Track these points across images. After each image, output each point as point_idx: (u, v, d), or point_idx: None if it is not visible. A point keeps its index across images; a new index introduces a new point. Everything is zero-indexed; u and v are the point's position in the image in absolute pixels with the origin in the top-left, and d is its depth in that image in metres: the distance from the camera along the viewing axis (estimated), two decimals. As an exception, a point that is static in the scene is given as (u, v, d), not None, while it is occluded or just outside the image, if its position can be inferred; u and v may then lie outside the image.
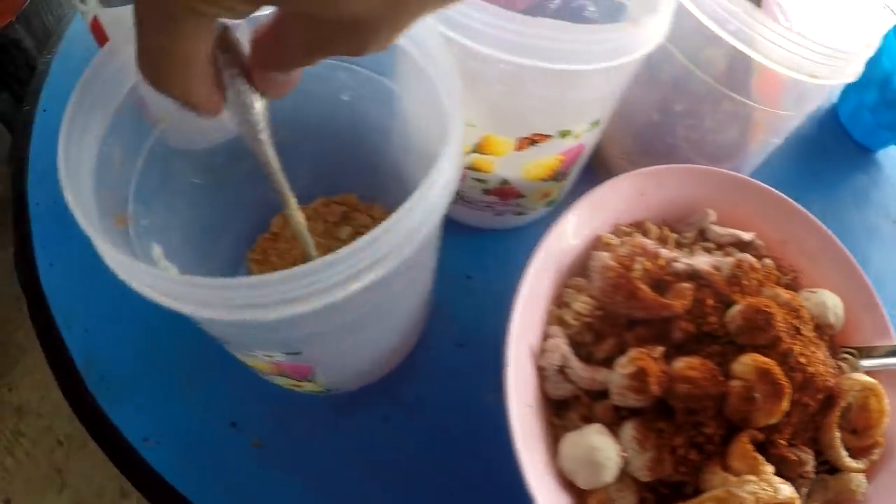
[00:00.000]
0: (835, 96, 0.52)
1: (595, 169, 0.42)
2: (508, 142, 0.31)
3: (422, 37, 0.24)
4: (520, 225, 0.40)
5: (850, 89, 0.50)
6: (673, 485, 0.32)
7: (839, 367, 0.36)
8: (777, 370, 0.30)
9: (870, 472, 0.34)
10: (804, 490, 0.33)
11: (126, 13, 0.32)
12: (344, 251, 0.19)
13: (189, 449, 0.35)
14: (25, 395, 0.85)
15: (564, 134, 0.31)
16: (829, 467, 0.35)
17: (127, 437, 0.36)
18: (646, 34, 0.27)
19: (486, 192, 0.36)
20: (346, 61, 0.30)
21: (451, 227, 0.40)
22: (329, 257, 0.19)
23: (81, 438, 0.79)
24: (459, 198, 0.37)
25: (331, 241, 0.37)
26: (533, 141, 0.31)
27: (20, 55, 0.71)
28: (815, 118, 0.51)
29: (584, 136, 0.32)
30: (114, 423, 0.36)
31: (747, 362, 0.31)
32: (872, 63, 0.48)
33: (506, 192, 0.36)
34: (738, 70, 0.33)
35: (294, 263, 0.37)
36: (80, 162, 0.24)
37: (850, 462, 0.34)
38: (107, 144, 0.26)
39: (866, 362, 0.36)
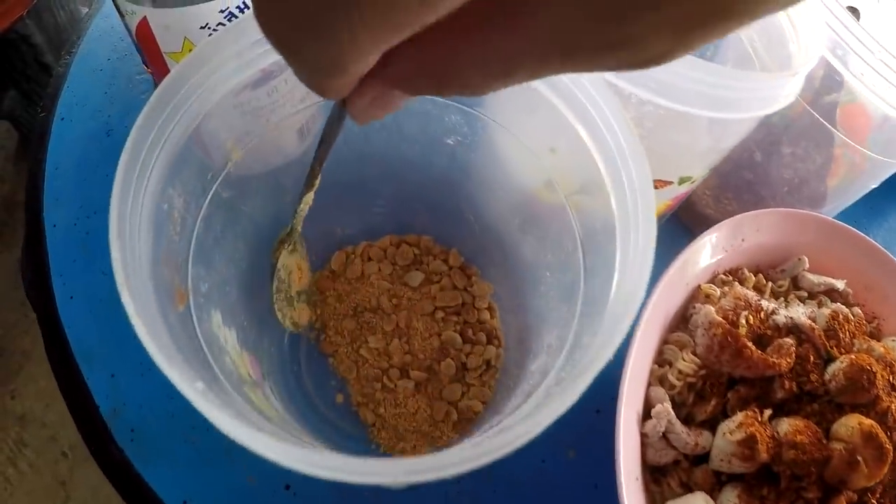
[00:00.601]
0: None
1: (679, 211, 0.39)
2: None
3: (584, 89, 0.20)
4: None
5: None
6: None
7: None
8: (883, 435, 0.30)
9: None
10: (890, 548, 0.33)
11: (185, 17, 0.27)
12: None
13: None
14: (29, 404, 0.78)
15: (684, 180, 0.29)
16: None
17: (164, 501, 0.32)
18: (797, 81, 0.24)
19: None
20: (464, 102, 0.26)
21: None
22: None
23: (86, 450, 0.73)
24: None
25: (398, 286, 0.33)
26: (655, 187, 0.28)
27: (30, 52, 0.65)
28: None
29: (698, 181, 0.30)
30: (148, 483, 0.32)
31: (853, 425, 0.30)
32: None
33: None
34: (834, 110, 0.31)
35: (355, 308, 0.33)
36: (135, 238, 0.19)
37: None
38: (165, 199, 0.22)
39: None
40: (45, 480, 0.71)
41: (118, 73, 0.41)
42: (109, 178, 0.19)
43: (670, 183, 0.28)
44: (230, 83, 0.23)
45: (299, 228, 0.28)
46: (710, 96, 0.23)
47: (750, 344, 0.30)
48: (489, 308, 0.35)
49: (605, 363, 0.19)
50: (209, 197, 0.25)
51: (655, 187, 0.29)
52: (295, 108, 0.30)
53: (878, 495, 0.32)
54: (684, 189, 0.30)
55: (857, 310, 0.35)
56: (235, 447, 0.34)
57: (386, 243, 0.34)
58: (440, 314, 0.33)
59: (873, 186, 0.36)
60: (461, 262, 0.34)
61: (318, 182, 0.24)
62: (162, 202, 0.22)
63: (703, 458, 0.31)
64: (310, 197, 0.26)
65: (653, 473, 0.31)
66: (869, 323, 0.37)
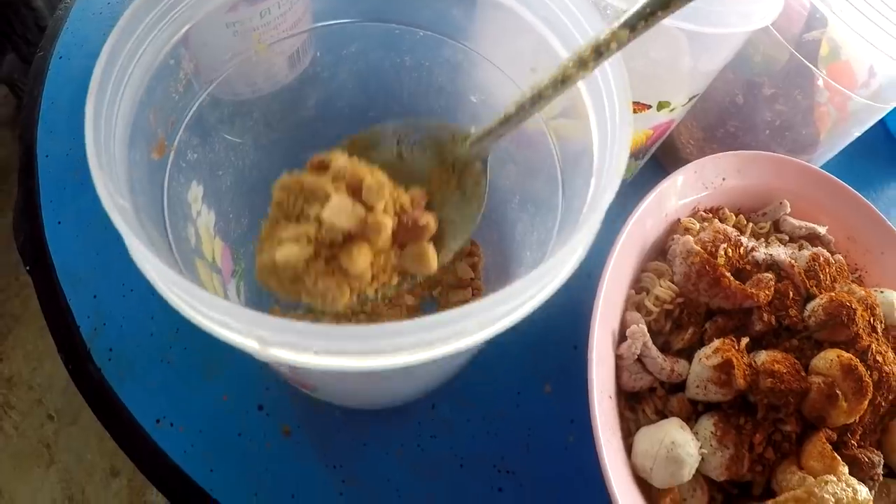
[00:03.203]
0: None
1: (660, 152, 0.40)
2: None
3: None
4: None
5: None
6: (742, 485, 0.31)
7: (902, 370, 0.35)
8: (862, 368, 0.29)
9: (926, 477, 0.34)
10: (873, 493, 0.32)
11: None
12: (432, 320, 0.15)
13: (207, 433, 0.31)
14: (17, 367, 0.78)
15: (662, 106, 0.29)
16: (888, 470, 0.34)
17: (136, 418, 0.32)
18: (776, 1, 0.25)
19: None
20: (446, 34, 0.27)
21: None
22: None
23: (73, 414, 0.73)
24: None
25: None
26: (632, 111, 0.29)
27: (30, 15, 0.66)
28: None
29: (678, 112, 0.30)
30: (122, 401, 0.32)
31: (831, 358, 0.30)
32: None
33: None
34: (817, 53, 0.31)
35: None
36: (125, 77, 0.20)
37: (912, 466, 0.33)
38: (174, 56, 0.22)
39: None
40: (31, 443, 0.71)
41: (117, 16, 0.42)
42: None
43: (648, 107, 0.29)
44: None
45: None
46: (687, 7, 0.23)
47: (727, 273, 0.30)
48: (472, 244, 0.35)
49: (576, 258, 0.19)
50: (215, 85, 0.26)
51: (633, 111, 0.29)
52: (287, 32, 0.31)
53: (857, 437, 0.31)
54: (664, 117, 0.30)
55: (838, 256, 0.35)
56: (213, 366, 0.34)
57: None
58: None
59: (857, 134, 0.36)
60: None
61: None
62: (169, 59, 0.22)
63: (679, 388, 0.30)
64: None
65: (629, 401, 0.31)
66: (852, 273, 0.37)
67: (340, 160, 0.23)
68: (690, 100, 0.30)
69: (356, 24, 0.30)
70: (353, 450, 0.31)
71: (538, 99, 0.20)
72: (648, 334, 0.30)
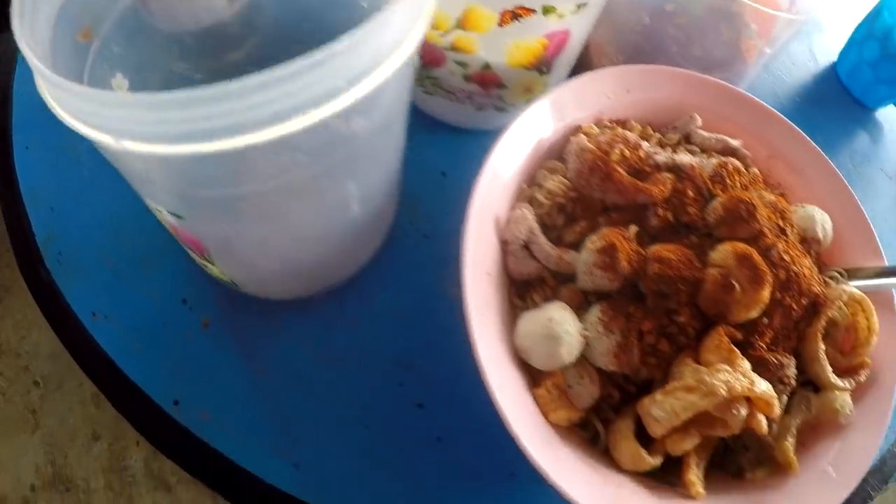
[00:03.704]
0: (834, 54, 0.51)
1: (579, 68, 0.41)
2: (491, 15, 0.31)
3: None
4: (500, 126, 0.39)
5: (850, 46, 0.50)
6: (640, 385, 0.30)
7: (826, 284, 0.34)
8: (757, 255, 0.29)
9: (855, 395, 0.32)
10: (783, 399, 0.30)
11: None
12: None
13: (135, 325, 0.33)
14: (5, 335, 0.83)
15: (548, 10, 0.30)
16: (814, 387, 0.32)
17: (76, 312, 0.34)
18: None
19: (467, 78, 0.35)
20: None
21: (428, 123, 0.39)
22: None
23: (58, 380, 0.77)
24: (439, 87, 0.36)
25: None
26: (516, 14, 0.30)
27: None
28: (813, 75, 0.50)
29: (570, 20, 0.32)
30: (65, 299, 0.35)
31: (726, 249, 0.29)
32: (873, 19, 0.48)
33: (487, 80, 0.35)
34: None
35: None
36: None
37: (835, 379, 0.31)
38: None
39: (856, 283, 0.34)
40: (17, 408, 0.74)
41: None
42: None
43: (533, 11, 0.30)
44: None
45: None
46: None
47: (619, 168, 0.31)
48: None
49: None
50: None
51: (517, 15, 0.31)
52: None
53: (767, 339, 0.30)
54: (555, 25, 0.32)
55: (754, 170, 0.35)
56: (146, 265, 0.36)
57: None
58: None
59: (768, 51, 0.36)
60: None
61: None
62: None
63: (572, 279, 0.30)
64: None
65: (519, 290, 0.31)
66: (773, 189, 0.36)
67: None
68: (580, 6, 0.31)
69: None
70: (265, 342, 0.33)
71: None
72: (536, 222, 0.30)
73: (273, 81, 0.17)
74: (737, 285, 0.28)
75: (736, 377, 0.27)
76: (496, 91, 0.36)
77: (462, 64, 0.34)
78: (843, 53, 0.50)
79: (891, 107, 0.49)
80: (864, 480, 0.38)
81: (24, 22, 0.21)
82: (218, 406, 0.31)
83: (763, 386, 0.27)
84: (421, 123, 0.39)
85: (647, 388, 0.30)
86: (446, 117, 0.39)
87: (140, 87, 0.31)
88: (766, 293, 0.28)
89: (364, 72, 0.19)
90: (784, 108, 0.47)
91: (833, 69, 0.51)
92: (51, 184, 0.39)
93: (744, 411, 0.28)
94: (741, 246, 0.29)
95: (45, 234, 0.37)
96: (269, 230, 0.28)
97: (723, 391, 0.26)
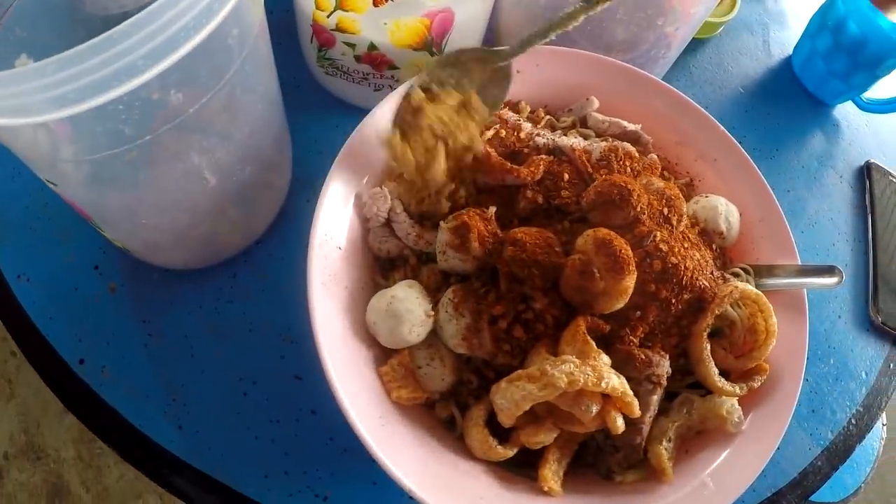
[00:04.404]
0: (790, 48, 0.48)
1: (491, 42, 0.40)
2: (365, -5, 0.30)
3: None
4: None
5: (804, 38, 0.46)
6: (500, 371, 0.28)
7: (725, 281, 0.31)
8: (619, 242, 0.27)
9: (748, 402, 0.29)
10: (654, 398, 0.28)
11: None
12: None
13: (54, 286, 0.34)
14: None
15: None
16: (704, 392, 0.30)
17: (4, 273, 0.35)
18: None
19: (358, 59, 0.34)
20: None
21: (330, 103, 0.39)
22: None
23: None
24: (336, 68, 0.36)
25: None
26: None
27: None
28: (768, 69, 0.47)
29: (450, 1, 0.31)
30: None
31: (588, 234, 0.27)
32: (826, 10, 0.45)
33: (376, 60, 0.34)
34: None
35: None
36: None
37: (722, 382, 0.29)
38: None
39: (767, 281, 0.31)
40: None
41: None
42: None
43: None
44: None
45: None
46: None
47: (490, 149, 0.29)
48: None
49: None
50: None
51: (377, 3, 0.30)
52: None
53: (640, 333, 0.28)
54: (434, 5, 0.31)
55: (653, 156, 0.33)
56: (68, 233, 0.37)
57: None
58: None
59: (672, 31, 0.34)
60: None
61: None
62: None
63: (434, 260, 0.29)
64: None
65: (384, 269, 0.30)
66: (678, 178, 0.34)
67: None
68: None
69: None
70: (162, 309, 0.34)
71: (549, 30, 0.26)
72: (398, 202, 0.29)
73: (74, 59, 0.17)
74: (596, 272, 0.26)
75: (582, 370, 0.25)
76: (389, 72, 0.35)
77: (350, 45, 0.34)
78: (798, 44, 0.47)
79: (848, 104, 0.46)
80: (782, 495, 0.35)
81: None
82: (117, 366, 0.32)
83: (614, 382, 0.25)
84: (323, 103, 0.39)
85: (507, 374, 0.28)
86: (347, 97, 0.38)
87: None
88: (628, 282, 0.26)
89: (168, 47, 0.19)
90: (733, 101, 0.45)
91: (788, 64, 0.48)
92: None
93: (595, 407, 0.25)
94: (603, 231, 0.27)
95: (-25, 203, 0.39)
96: (130, 198, 0.28)
97: (562, 383, 0.24)
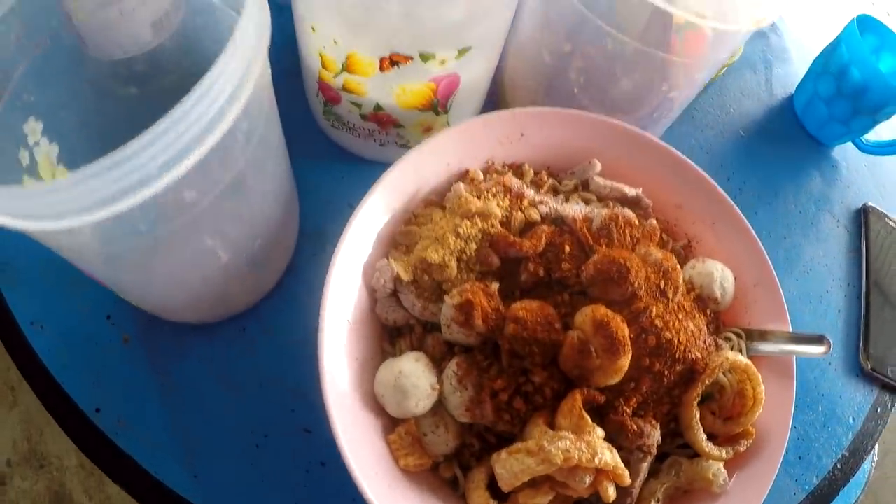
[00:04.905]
0: (792, 87, 0.48)
1: (497, 103, 0.40)
2: (371, 62, 0.30)
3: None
4: (406, 160, 0.39)
5: (806, 80, 0.46)
6: (501, 436, 0.29)
7: (717, 346, 0.32)
8: (616, 324, 0.28)
9: (734, 465, 0.31)
10: (643, 466, 0.29)
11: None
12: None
13: (68, 335, 0.36)
14: None
15: (426, 58, 0.30)
16: (693, 453, 0.31)
17: (17, 319, 0.37)
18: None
19: (364, 117, 0.35)
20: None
21: (337, 155, 0.40)
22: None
23: None
24: (342, 123, 0.36)
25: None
26: (394, 61, 0.30)
27: None
28: (769, 108, 0.47)
29: (454, 64, 0.31)
30: (8, 306, 0.37)
31: (586, 312, 0.28)
32: (830, 54, 0.45)
33: (382, 119, 0.35)
34: (630, 10, 0.31)
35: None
36: None
37: (709, 448, 0.30)
38: (4, 22, 0.27)
39: (759, 346, 0.33)
40: None
41: None
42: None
43: (410, 58, 0.30)
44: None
45: None
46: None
47: (496, 223, 0.30)
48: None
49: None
50: (53, 35, 0.30)
51: (395, 62, 0.30)
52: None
53: (633, 403, 0.29)
54: (438, 70, 0.31)
55: (652, 221, 0.33)
56: (81, 280, 0.38)
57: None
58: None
59: (675, 95, 0.35)
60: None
61: None
62: (1, 23, 0.27)
63: (439, 329, 0.30)
64: None
65: (390, 337, 0.31)
66: (677, 241, 0.35)
67: None
68: (462, 52, 0.30)
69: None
70: (175, 361, 0.35)
71: None
72: (403, 270, 0.30)
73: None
74: (594, 352, 0.28)
75: (577, 447, 0.27)
76: (394, 129, 0.35)
77: (356, 104, 0.34)
78: (800, 87, 0.47)
79: (849, 145, 0.46)
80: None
81: None
82: (132, 416, 0.33)
83: (607, 457, 0.27)
84: (329, 152, 0.39)
85: (508, 439, 0.29)
86: (353, 149, 0.39)
87: (56, 128, 0.32)
88: (623, 362, 0.28)
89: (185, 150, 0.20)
90: (734, 145, 0.45)
91: (790, 104, 0.48)
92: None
93: (588, 479, 0.27)
94: (601, 311, 0.28)
95: (-5, 251, 0.40)
96: (144, 274, 0.29)
97: (558, 460, 0.26)
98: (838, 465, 0.37)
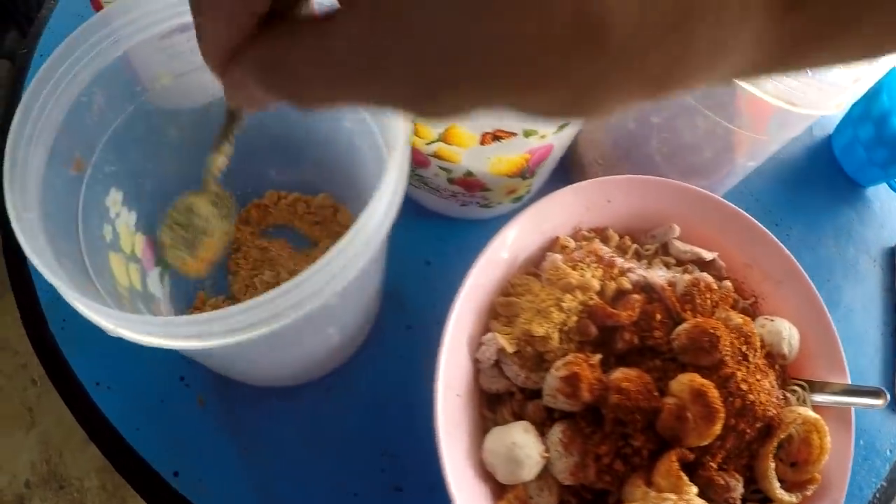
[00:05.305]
0: (831, 127, 0.51)
1: (570, 169, 0.41)
2: (472, 136, 0.31)
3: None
4: (485, 217, 0.40)
5: (846, 123, 0.49)
6: (596, 492, 0.32)
7: (785, 399, 0.35)
8: (713, 394, 0.30)
9: (801, 508, 0.34)
10: (728, 516, 0.32)
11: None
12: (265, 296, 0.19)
13: (137, 398, 0.36)
14: (4, 332, 0.85)
15: (529, 133, 0.31)
16: (762, 496, 0.35)
17: (80, 379, 0.36)
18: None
19: (451, 181, 0.36)
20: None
21: (415, 211, 0.40)
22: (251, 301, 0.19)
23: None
24: (424, 184, 0.37)
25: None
26: (497, 137, 0.31)
27: None
28: (808, 148, 0.50)
29: (552, 137, 0.32)
30: (70, 364, 0.37)
31: (684, 381, 0.31)
32: (871, 99, 0.47)
33: (471, 184, 0.35)
34: (720, 90, 0.32)
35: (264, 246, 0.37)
36: (46, 105, 0.24)
37: (782, 494, 0.33)
38: (87, 94, 0.27)
39: (818, 397, 0.36)
40: (13, 406, 0.77)
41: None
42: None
43: (514, 134, 0.31)
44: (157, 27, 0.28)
45: (212, 186, 0.30)
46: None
47: (594, 295, 0.32)
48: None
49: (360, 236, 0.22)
50: (134, 106, 0.30)
51: (498, 137, 0.31)
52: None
53: (719, 459, 0.32)
54: (537, 143, 0.32)
55: (727, 283, 0.36)
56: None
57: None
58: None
59: (752, 165, 0.36)
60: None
61: (226, 149, 0.25)
62: (83, 95, 0.26)
63: (538, 394, 0.32)
64: (219, 160, 0.26)
65: (490, 402, 0.33)
66: (745, 300, 0.37)
67: None
68: (562, 127, 0.32)
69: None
70: (255, 422, 0.35)
71: None
72: (506, 342, 0.32)
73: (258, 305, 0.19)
74: (691, 418, 0.30)
75: (680, 507, 0.29)
76: (480, 193, 0.36)
77: (446, 170, 0.35)
78: (839, 129, 0.49)
79: (883, 185, 0.49)
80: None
81: (14, 185, 0.22)
82: (214, 478, 0.34)
83: (705, 515, 0.29)
84: (407, 210, 0.40)
85: (602, 495, 0.32)
86: (432, 207, 0.39)
87: (135, 196, 0.32)
88: (718, 427, 0.30)
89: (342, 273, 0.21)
90: (773, 179, 0.48)
91: (828, 144, 0.50)
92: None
93: (687, 536, 0.30)
94: (698, 381, 0.30)
95: (49, 298, 0.39)
96: (248, 364, 0.30)
97: (666, 523, 0.28)
98: (877, 495, 0.41)
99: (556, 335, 0.31)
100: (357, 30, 0.11)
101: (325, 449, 0.35)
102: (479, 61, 0.10)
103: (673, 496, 0.30)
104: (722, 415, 0.30)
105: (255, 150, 0.33)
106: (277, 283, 0.34)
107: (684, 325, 0.32)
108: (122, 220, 0.32)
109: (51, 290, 0.40)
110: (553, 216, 0.34)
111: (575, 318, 0.31)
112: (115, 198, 0.31)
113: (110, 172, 0.30)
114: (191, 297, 0.36)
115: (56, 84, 0.26)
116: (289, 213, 0.37)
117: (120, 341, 0.37)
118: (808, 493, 0.34)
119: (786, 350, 0.35)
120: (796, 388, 0.36)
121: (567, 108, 0.11)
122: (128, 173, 0.31)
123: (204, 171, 0.29)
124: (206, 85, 0.34)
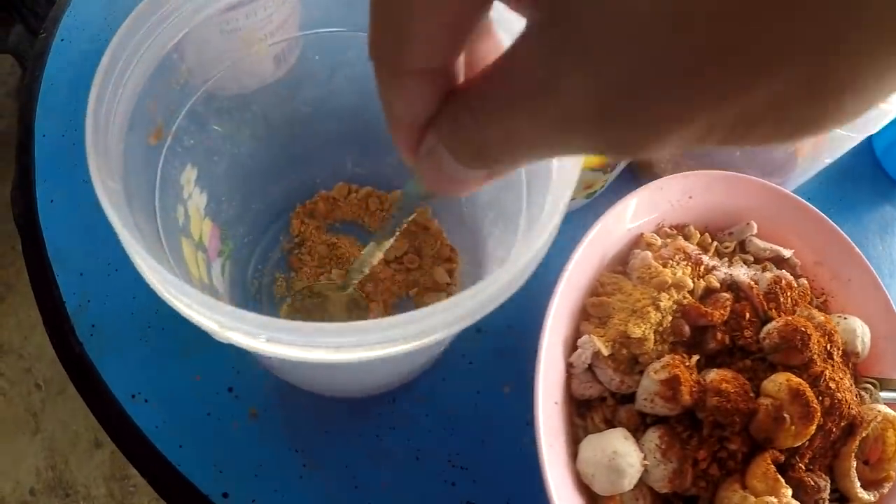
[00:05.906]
0: (875, 126, 0.51)
1: (636, 166, 0.40)
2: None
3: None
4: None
5: (887, 124, 0.50)
6: (688, 498, 0.31)
7: (860, 397, 0.35)
8: (810, 393, 0.30)
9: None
10: (816, 517, 0.32)
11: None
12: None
13: (179, 411, 0.33)
14: (7, 335, 0.80)
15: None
16: (839, 495, 0.35)
17: (113, 391, 0.33)
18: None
19: (529, 174, 0.34)
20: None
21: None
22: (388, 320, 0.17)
23: (60, 384, 0.76)
24: (498, 178, 0.35)
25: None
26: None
27: None
28: (853, 151, 0.50)
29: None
30: (101, 375, 0.34)
31: (781, 381, 0.30)
32: (913, 99, 0.48)
33: (549, 178, 0.34)
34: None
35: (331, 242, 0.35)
36: (128, 67, 0.21)
37: (862, 494, 0.33)
38: (172, 60, 0.24)
39: (886, 394, 0.36)
40: (17, 411, 0.73)
41: (118, 2, 0.45)
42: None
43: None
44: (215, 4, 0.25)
45: (354, 283, 0.28)
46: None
47: (687, 293, 0.31)
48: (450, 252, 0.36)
49: (524, 263, 0.20)
50: (215, 77, 0.27)
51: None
52: (272, 34, 0.32)
53: (806, 460, 0.32)
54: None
55: (803, 280, 0.35)
56: (189, 347, 0.35)
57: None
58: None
59: (828, 161, 0.36)
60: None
61: (389, 243, 0.24)
62: (172, 54, 0.23)
63: (630, 399, 0.31)
64: (377, 255, 0.24)
65: (579, 408, 0.31)
66: (817, 297, 0.37)
67: None
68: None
69: (349, 34, 0.31)
70: (315, 436, 0.33)
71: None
72: (601, 344, 0.30)
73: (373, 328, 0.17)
74: (788, 418, 0.29)
75: (781, 510, 0.29)
76: (557, 187, 0.35)
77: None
78: (880, 130, 0.50)
79: (920, 186, 0.50)
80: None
81: (99, 150, 0.19)
82: (268, 499, 0.31)
83: (804, 517, 0.29)
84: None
85: (691, 501, 0.31)
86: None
87: (208, 173, 0.30)
88: (813, 427, 0.30)
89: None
90: (826, 192, 0.48)
91: (869, 144, 0.51)
92: (78, 244, 0.37)
93: (786, 539, 0.29)
94: (795, 381, 0.30)
95: (76, 303, 0.36)
96: (328, 378, 0.28)
97: (771, 527, 0.28)
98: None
99: (652, 336, 0.30)
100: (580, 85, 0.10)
101: (392, 463, 0.32)
102: None
103: (774, 500, 0.29)
104: (819, 414, 0.30)
105: (333, 137, 0.31)
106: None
107: (775, 324, 0.31)
108: (194, 203, 0.29)
109: (78, 293, 0.37)
110: (639, 212, 0.33)
111: (670, 318, 0.30)
112: (189, 175, 0.28)
113: (189, 146, 0.27)
114: (248, 294, 0.34)
115: (146, 34, 0.23)
116: (359, 209, 0.35)
117: (156, 348, 0.35)
118: (885, 490, 0.34)
119: (859, 348, 0.35)
120: (868, 385, 0.36)
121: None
122: (205, 150, 0.28)
123: (355, 263, 0.26)
124: (247, 73, 0.32)
